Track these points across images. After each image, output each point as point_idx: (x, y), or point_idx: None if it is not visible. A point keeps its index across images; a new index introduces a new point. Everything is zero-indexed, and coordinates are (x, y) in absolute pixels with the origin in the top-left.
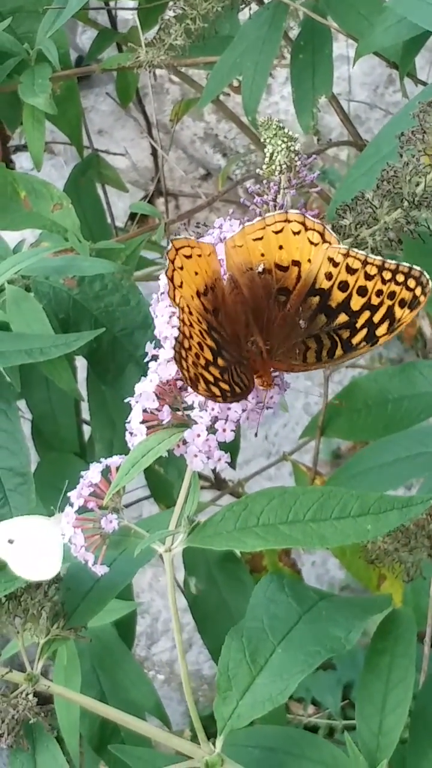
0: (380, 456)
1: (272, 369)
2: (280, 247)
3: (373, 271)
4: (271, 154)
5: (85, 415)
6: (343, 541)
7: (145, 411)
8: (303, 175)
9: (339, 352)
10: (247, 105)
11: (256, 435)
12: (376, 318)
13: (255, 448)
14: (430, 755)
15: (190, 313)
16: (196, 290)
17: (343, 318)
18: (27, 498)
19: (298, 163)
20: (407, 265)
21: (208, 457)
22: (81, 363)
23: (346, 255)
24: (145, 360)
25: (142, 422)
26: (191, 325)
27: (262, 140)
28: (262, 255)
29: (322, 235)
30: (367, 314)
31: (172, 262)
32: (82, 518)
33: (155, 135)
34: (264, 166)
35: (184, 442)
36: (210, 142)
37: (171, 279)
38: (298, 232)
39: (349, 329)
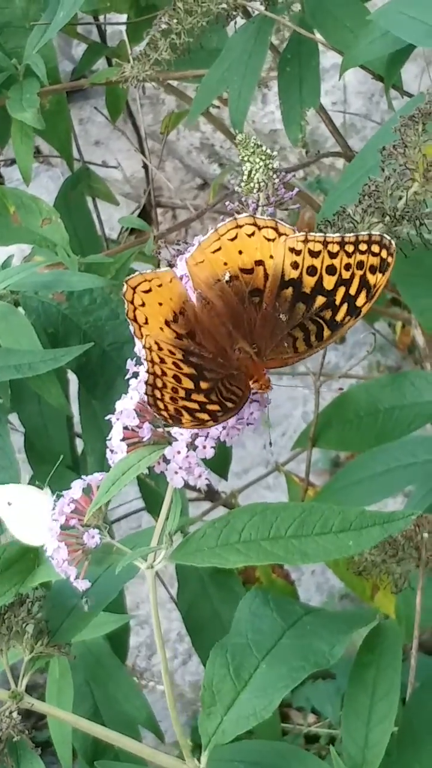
0: (371, 466)
1: (266, 369)
2: (240, 252)
3: (335, 248)
4: (249, 172)
5: (78, 428)
6: (325, 557)
7: (125, 428)
8: (281, 192)
9: (327, 332)
10: (234, 118)
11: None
12: (353, 290)
13: (253, 458)
14: None
15: (160, 348)
16: (164, 320)
17: (321, 300)
18: None
19: (276, 180)
20: (366, 233)
21: (189, 474)
22: (73, 376)
23: (306, 241)
24: (126, 377)
25: (123, 439)
26: (162, 360)
27: (239, 158)
28: (225, 264)
29: (275, 229)
30: (342, 290)
31: (131, 302)
32: (64, 534)
33: (150, 146)
34: (243, 184)
35: (165, 459)
36: (206, 152)
37: (134, 319)
38: (252, 234)
39: (329, 309)
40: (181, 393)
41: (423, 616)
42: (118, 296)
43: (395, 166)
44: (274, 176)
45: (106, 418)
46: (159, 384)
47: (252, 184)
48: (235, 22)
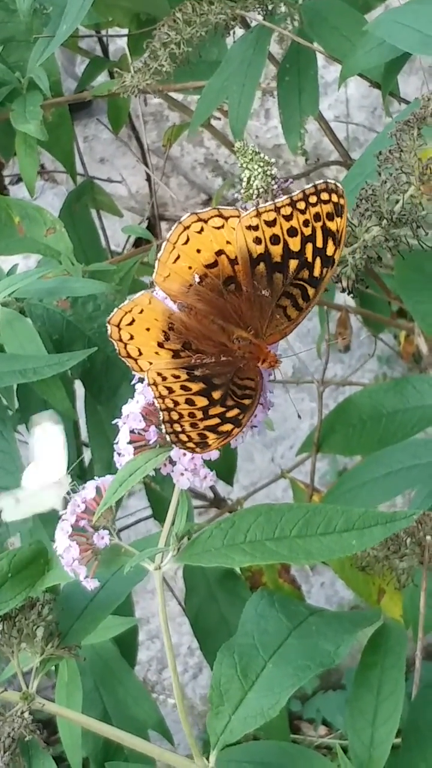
0: (374, 469)
1: (269, 345)
2: (198, 251)
3: (288, 210)
4: (249, 179)
5: (85, 437)
6: (328, 556)
7: (132, 432)
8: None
9: (311, 291)
10: (234, 127)
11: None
12: (319, 243)
13: (262, 471)
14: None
15: (164, 378)
16: (156, 344)
17: (294, 263)
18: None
19: (275, 187)
20: (311, 185)
21: (195, 476)
22: (80, 389)
23: (258, 214)
24: (132, 382)
25: (130, 442)
26: (170, 391)
27: (239, 166)
28: (190, 268)
29: (220, 215)
30: (310, 246)
31: (119, 340)
32: (74, 534)
33: (155, 162)
34: (242, 191)
35: (171, 461)
36: (210, 167)
37: (128, 356)
38: (201, 230)
39: (305, 268)
40: (199, 415)
41: (429, 617)
42: (122, 303)
43: (392, 170)
44: (273, 182)
45: (113, 422)
46: (175, 417)
47: (251, 191)
48: (233, 33)
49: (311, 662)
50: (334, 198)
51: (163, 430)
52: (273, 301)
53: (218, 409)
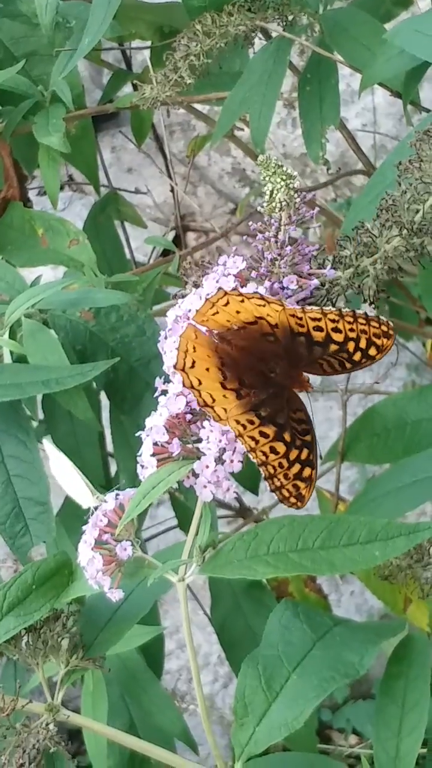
0: (399, 478)
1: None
2: (238, 312)
3: (334, 316)
4: (271, 192)
5: (110, 448)
6: (352, 568)
7: (155, 444)
8: (303, 211)
9: (348, 365)
10: (255, 138)
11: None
12: (362, 345)
13: None
14: None
15: (243, 426)
16: (219, 384)
17: (334, 347)
18: (47, 526)
19: (298, 200)
20: (363, 312)
21: (217, 488)
22: (105, 401)
23: (304, 312)
24: (155, 395)
25: (153, 455)
26: (255, 441)
27: (261, 179)
28: (228, 321)
29: (263, 299)
30: (352, 344)
31: (193, 387)
32: (98, 547)
33: (181, 170)
34: (265, 204)
35: (194, 474)
36: (237, 176)
37: (205, 404)
38: (243, 300)
39: (345, 353)
40: (285, 464)
41: None
42: (145, 313)
43: (411, 180)
44: (296, 195)
45: (137, 434)
46: (271, 471)
47: (274, 204)
48: (254, 44)
49: (336, 673)
50: (384, 328)
51: (267, 488)
52: (308, 360)
53: (294, 453)
